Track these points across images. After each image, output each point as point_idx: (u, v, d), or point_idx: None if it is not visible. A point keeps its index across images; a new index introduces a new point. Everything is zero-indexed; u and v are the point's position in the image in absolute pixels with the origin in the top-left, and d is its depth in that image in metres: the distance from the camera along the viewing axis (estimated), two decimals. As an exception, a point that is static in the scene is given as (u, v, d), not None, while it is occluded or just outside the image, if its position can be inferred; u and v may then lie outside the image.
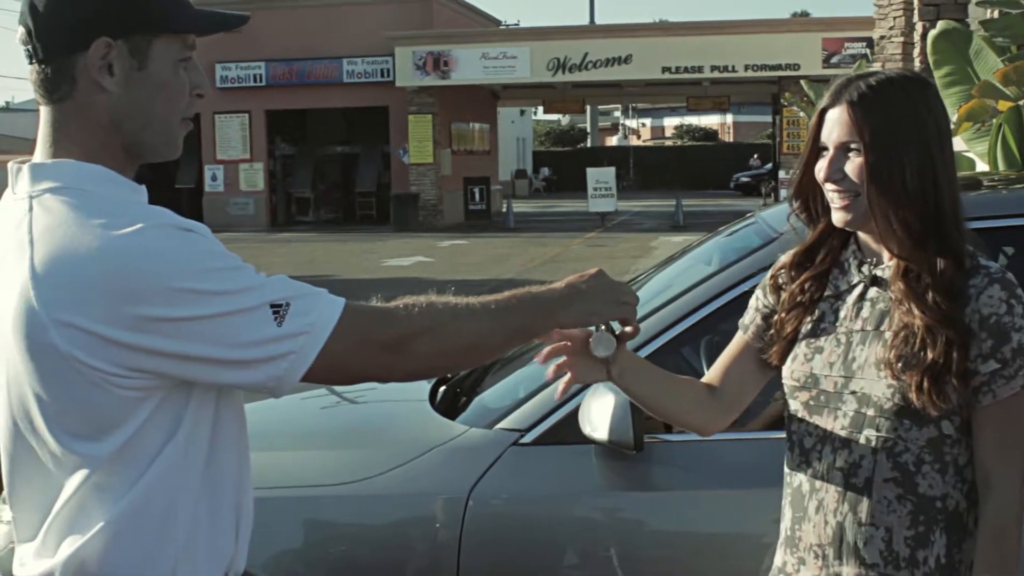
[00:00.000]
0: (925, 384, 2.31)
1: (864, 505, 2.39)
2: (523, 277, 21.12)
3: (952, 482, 2.38)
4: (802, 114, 23.04)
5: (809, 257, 2.58)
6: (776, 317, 2.60)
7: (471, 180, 38.34)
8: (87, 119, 2.06)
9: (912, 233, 2.38)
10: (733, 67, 33.61)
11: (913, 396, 2.32)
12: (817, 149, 2.47)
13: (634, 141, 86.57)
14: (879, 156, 2.39)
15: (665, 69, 33.87)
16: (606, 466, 3.43)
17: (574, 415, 3.39)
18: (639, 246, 27.32)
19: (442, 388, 4.19)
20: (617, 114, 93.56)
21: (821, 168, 2.43)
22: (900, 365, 2.34)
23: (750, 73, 33.72)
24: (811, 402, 2.47)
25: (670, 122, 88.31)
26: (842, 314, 2.48)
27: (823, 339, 2.49)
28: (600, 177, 36.00)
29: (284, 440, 3.87)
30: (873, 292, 2.45)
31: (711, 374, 2.70)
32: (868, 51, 22.26)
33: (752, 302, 2.71)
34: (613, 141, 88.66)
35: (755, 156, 60.09)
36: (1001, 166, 6.98)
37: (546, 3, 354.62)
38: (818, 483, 2.46)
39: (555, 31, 36.14)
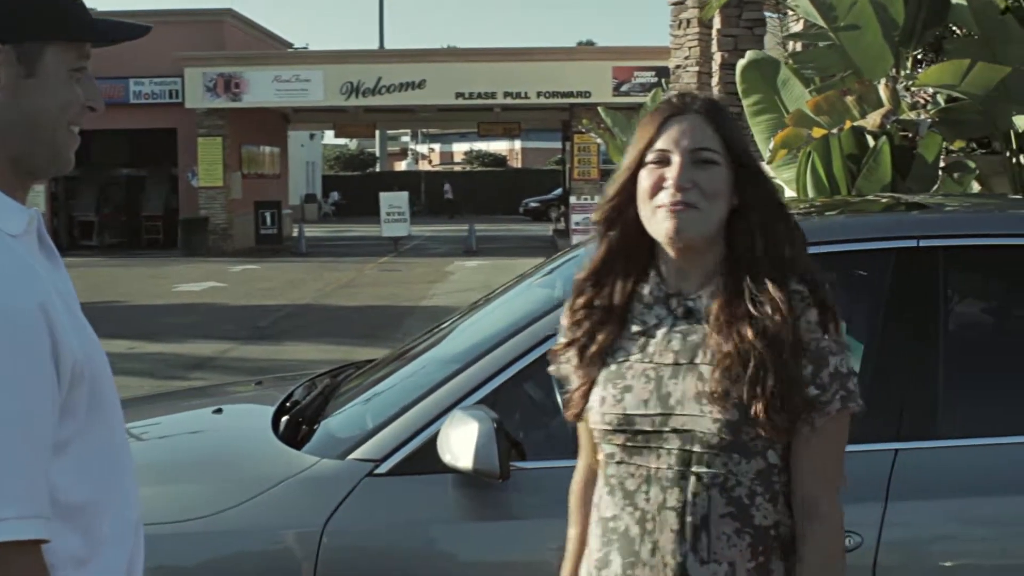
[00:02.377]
0: (763, 414, 2.29)
1: (704, 542, 2.33)
2: (320, 302, 20.94)
3: (782, 510, 2.39)
4: (598, 140, 23.40)
5: (596, 279, 2.49)
6: (571, 358, 2.49)
7: (262, 204, 37.81)
8: None
9: (760, 250, 2.37)
10: (525, 93, 33.97)
11: (748, 428, 2.29)
12: (642, 160, 2.39)
13: (424, 166, 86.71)
14: (747, 167, 2.39)
15: (459, 95, 34.03)
16: (466, 495, 3.35)
17: (432, 444, 3.29)
18: (434, 271, 27.35)
19: (284, 417, 4.05)
20: (406, 139, 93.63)
21: (669, 175, 2.33)
22: (726, 398, 2.30)
23: (542, 100, 34.15)
24: (628, 444, 2.38)
25: (459, 147, 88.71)
26: (650, 349, 2.40)
27: (630, 377, 2.40)
28: (393, 202, 35.93)
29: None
30: (683, 325, 2.40)
31: (585, 457, 2.61)
32: (662, 80, 22.73)
33: (558, 338, 2.58)
34: (402, 166, 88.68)
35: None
36: (810, 193, 7.17)
37: (336, 27, 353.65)
38: (649, 525, 2.36)
39: (349, 55, 35.96)
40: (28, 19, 1.91)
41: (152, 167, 39.12)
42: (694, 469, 2.33)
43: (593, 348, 2.45)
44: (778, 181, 7.96)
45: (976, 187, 7.24)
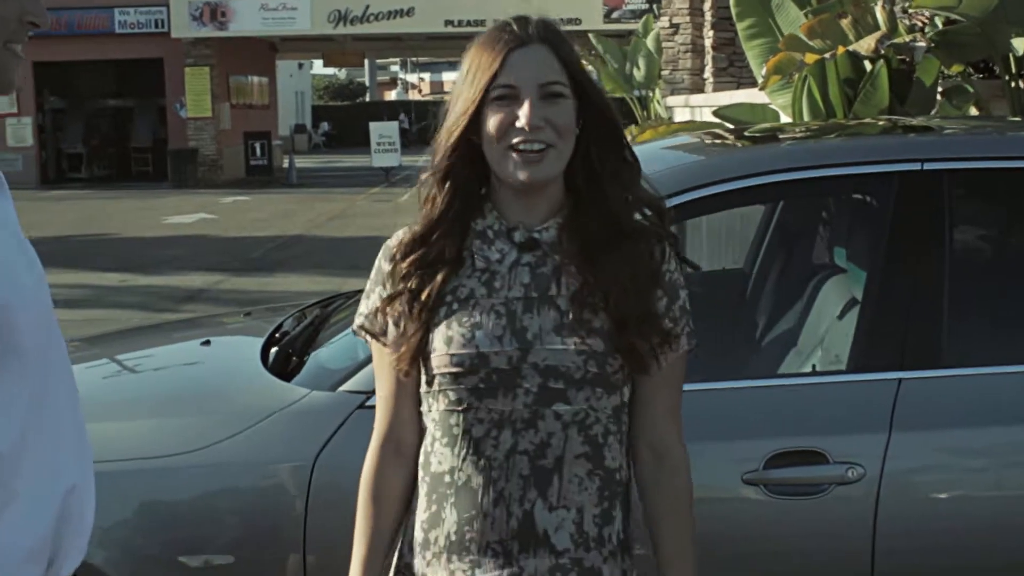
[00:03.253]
0: (628, 343, 2.20)
1: (555, 487, 2.21)
2: (311, 233, 20.84)
3: (624, 452, 2.30)
4: (590, 68, 23.19)
5: (434, 231, 2.28)
6: (400, 308, 2.27)
7: (251, 135, 37.50)
8: None
9: (616, 184, 2.26)
10: (515, 21, 33.65)
11: (612, 360, 2.19)
12: (484, 96, 2.20)
13: (414, 96, 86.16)
14: (591, 95, 2.25)
15: (448, 22, 33.62)
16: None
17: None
18: (426, 201, 27.16)
19: (273, 348, 3.97)
20: (395, 68, 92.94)
21: (521, 114, 2.17)
22: (589, 329, 2.20)
23: (532, 27, 33.86)
24: (481, 385, 2.20)
25: (449, 77, 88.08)
26: (496, 284, 2.24)
27: (478, 314, 2.22)
28: (383, 132, 35.60)
29: (112, 410, 3.62)
30: (530, 257, 2.25)
31: (387, 427, 2.35)
32: (653, 6, 22.52)
33: (373, 301, 2.34)
34: (392, 96, 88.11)
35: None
36: (806, 118, 7.08)
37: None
38: (495, 473, 2.21)
39: (337, -18, 35.58)
40: None
41: (139, 98, 38.84)
42: (554, 407, 2.21)
43: (427, 292, 2.26)
44: (774, 106, 7.87)
45: (975, 112, 7.14)
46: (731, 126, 7.27)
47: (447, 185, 2.27)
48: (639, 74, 19.11)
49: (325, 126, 67.80)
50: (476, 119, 2.22)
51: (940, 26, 6.98)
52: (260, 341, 4.02)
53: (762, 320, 4.13)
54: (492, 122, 2.20)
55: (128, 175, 38.51)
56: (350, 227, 21.77)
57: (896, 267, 3.37)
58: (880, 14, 6.79)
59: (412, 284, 2.27)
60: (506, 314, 2.22)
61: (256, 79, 40.67)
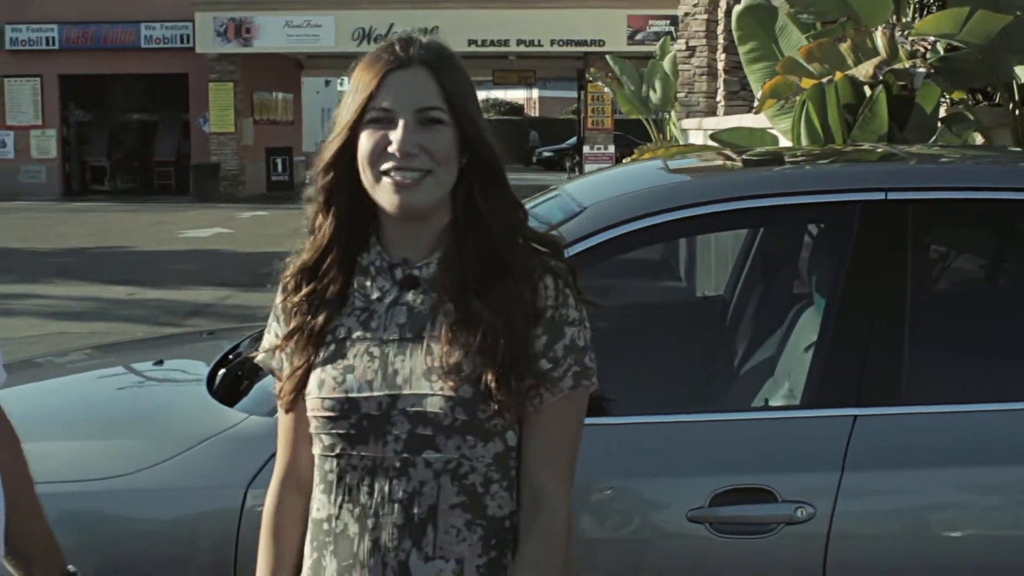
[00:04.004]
0: (494, 388, 2.05)
1: (429, 537, 2.09)
2: (326, 250, 20.76)
3: (517, 498, 2.15)
4: (607, 90, 23.12)
5: (319, 262, 2.18)
6: (286, 345, 2.20)
7: (273, 151, 37.65)
8: None
9: (497, 219, 2.13)
10: (539, 41, 33.62)
11: (484, 406, 2.06)
12: (361, 118, 2.10)
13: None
14: (471, 127, 2.12)
15: (471, 42, 33.63)
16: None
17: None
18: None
19: (221, 371, 3.88)
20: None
21: (394, 138, 2.06)
22: (457, 373, 2.06)
23: (556, 48, 33.79)
24: (352, 431, 2.11)
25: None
26: (373, 324, 2.14)
27: (352, 356, 2.13)
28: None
29: (41, 430, 3.53)
30: (409, 296, 2.14)
31: (287, 462, 2.27)
32: (672, 28, 22.45)
33: (272, 336, 2.28)
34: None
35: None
36: (804, 143, 6.97)
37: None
38: (370, 521, 2.11)
39: (360, 0, 35.62)
40: None
41: (164, 112, 39.01)
42: (425, 455, 2.09)
43: (308, 329, 2.16)
44: (773, 131, 7.77)
45: (980, 139, 7.02)
46: (728, 151, 7.17)
47: (330, 210, 2.18)
48: (655, 96, 19.03)
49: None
50: (354, 140, 2.12)
51: (941, 52, 6.87)
52: (210, 363, 3.93)
53: (717, 352, 4.03)
54: (364, 145, 2.10)
55: (151, 188, 38.64)
56: (365, 245, 21.69)
57: (855, 299, 3.26)
58: (880, 39, 6.68)
59: (296, 322, 2.19)
60: (379, 356, 2.12)
61: (280, 95, 40.83)
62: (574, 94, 50.02)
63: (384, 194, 2.09)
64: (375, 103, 2.09)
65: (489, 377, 2.06)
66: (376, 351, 2.12)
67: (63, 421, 3.75)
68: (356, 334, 2.14)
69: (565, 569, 2.16)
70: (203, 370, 3.87)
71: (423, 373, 2.08)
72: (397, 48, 2.12)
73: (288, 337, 2.20)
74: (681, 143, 15.36)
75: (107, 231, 24.48)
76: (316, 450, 2.17)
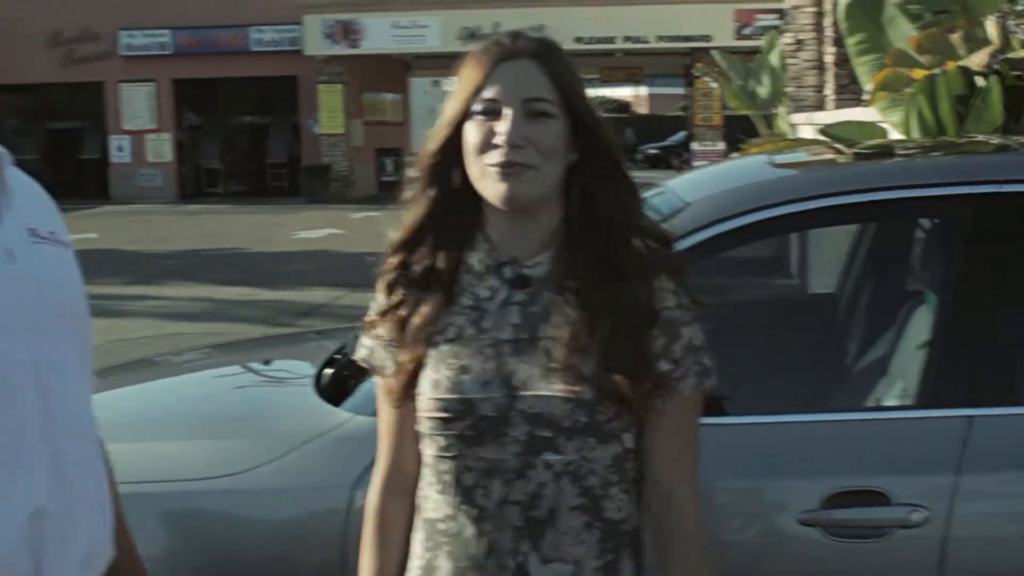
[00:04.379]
0: (617, 390, 2.04)
1: (548, 539, 2.08)
2: (435, 249, 20.83)
3: (635, 501, 2.14)
4: (714, 85, 22.96)
5: (415, 240, 2.18)
6: (387, 337, 2.19)
7: (383, 151, 37.94)
8: None
9: (613, 215, 2.11)
10: (646, 38, 33.46)
11: (604, 408, 2.05)
12: (468, 110, 2.08)
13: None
14: (587, 117, 2.10)
15: (578, 39, 33.58)
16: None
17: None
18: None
19: (328, 371, 3.89)
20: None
21: (500, 130, 2.04)
22: (577, 375, 2.04)
23: (663, 44, 33.60)
24: (468, 432, 2.09)
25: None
26: (485, 324, 2.11)
27: (466, 356, 2.10)
28: (512, 148, 35.72)
29: (149, 430, 3.59)
30: (521, 296, 2.11)
31: (390, 462, 2.28)
32: (780, 22, 22.20)
33: (372, 334, 2.26)
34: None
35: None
36: (916, 136, 6.84)
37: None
38: (487, 524, 2.09)
39: (467, 0, 35.76)
40: None
41: (275, 114, 39.51)
42: (544, 457, 2.07)
43: (416, 321, 2.15)
44: (884, 124, 7.63)
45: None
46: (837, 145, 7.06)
47: (427, 193, 2.17)
48: (763, 91, 18.85)
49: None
50: (459, 132, 2.11)
51: (1059, 40, 6.70)
52: (317, 363, 3.95)
53: (828, 351, 3.95)
54: (472, 136, 2.08)
55: (263, 190, 39.13)
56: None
57: (970, 295, 3.17)
58: (992, 28, 6.54)
59: (403, 314, 2.17)
60: (494, 357, 2.10)
61: (389, 96, 41.13)
62: (682, 90, 49.77)
63: (489, 185, 2.07)
64: (482, 94, 2.08)
65: (612, 379, 2.04)
66: (490, 351, 2.10)
67: (172, 420, 3.79)
68: (468, 333, 2.12)
69: (711, 564, 2.17)
70: (310, 370, 3.89)
71: (541, 374, 2.06)
72: (506, 40, 2.12)
73: (390, 328, 2.19)
74: (790, 138, 15.17)
75: (221, 233, 24.85)
76: (431, 451, 2.16)
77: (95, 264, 18.44)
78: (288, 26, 35.62)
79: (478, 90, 2.08)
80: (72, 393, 1.98)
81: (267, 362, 4.23)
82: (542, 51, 2.10)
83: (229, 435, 3.54)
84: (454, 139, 2.12)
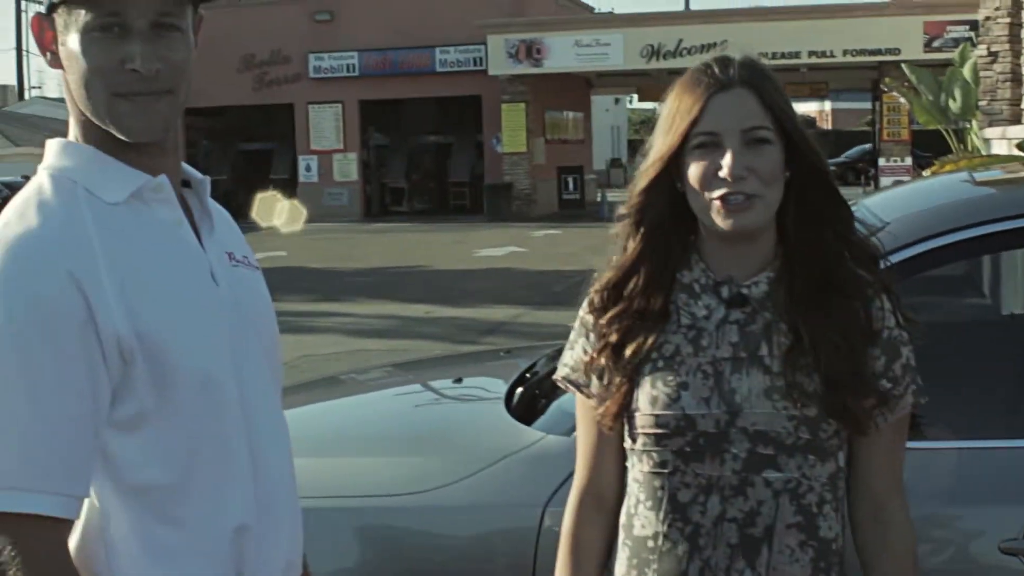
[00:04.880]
0: (843, 408, 2.05)
1: (764, 558, 2.07)
2: (616, 267, 20.77)
3: (841, 520, 2.14)
4: (903, 100, 22.44)
5: (625, 280, 2.19)
6: (603, 362, 2.19)
7: (565, 169, 38.06)
8: (68, 97, 1.93)
9: (829, 234, 2.11)
10: (831, 52, 32.90)
11: (826, 425, 2.05)
12: (684, 142, 2.08)
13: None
14: (799, 139, 2.09)
15: (762, 55, 32.93)
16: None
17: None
18: (735, 235, 26.88)
19: (519, 390, 3.92)
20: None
21: (723, 163, 2.04)
22: (801, 392, 2.04)
23: (848, 58, 32.99)
24: (687, 448, 2.10)
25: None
26: (703, 343, 2.12)
27: (684, 374, 2.11)
28: (695, 166, 35.50)
29: (342, 445, 3.65)
30: (738, 314, 2.11)
31: (588, 481, 2.29)
32: (972, 34, 21.60)
33: (577, 352, 2.28)
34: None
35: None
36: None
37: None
38: (702, 540, 2.10)
39: (649, 17, 35.68)
40: None
41: (458, 134, 39.97)
42: (764, 474, 2.06)
43: (631, 347, 2.15)
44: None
45: None
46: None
47: (640, 231, 2.19)
48: (955, 105, 18.35)
49: (640, 160, 68.11)
50: (674, 165, 2.12)
51: None
52: (508, 381, 3.97)
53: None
54: (694, 172, 2.09)
55: (446, 208, 39.62)
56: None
57: None
58: None
59: (614, 338, 2.19)
60: (713, 374, 2.11)
61: (571, 114, 41.27)
62: (868, 105, 48.84)
63: (715, 218, 2.09)
64: (700, 127, 2.09)
65: (837, 396, 2.05)
66: (709, 369, 2.11)
67: (366, 437, 3.85)
68: (686, 351, 2.14)
69: None
70: (501, 388, 3.91)
71: (763, 392, 2.07)
72: (716, 70, 2.12)
73: (601, 352, 2.20)
74: (983, 153, 14.76)
75: (405, 251, 25.23)
76: (645, 467, 2.17)
77: (284, 281, 18.94)
78: (472, 46, 36.06)
79: (694, 123, 2.09)
80: (269, 408, 2.04)
81: (458, 380, 4.28)
82: (754, 78, 2.11)
83: (423, 452, 3.58)
84: (667, 171, 2.14)
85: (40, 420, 1.75)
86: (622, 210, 2.22)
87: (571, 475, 3.12)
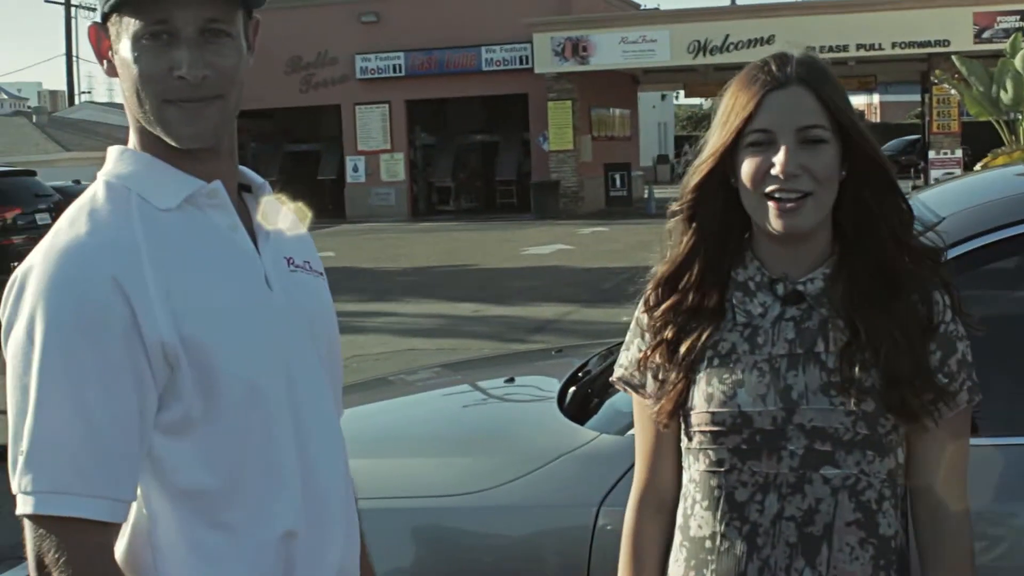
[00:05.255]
0: (901, 402, 2.03)
1: (823, 556, 2.05)
2: (665, 264, 20.68)
3: (901, 517, 2.11)
4: (953, 92, 22.26)
5: (678, 274, 2.18)
6: (659, 361, 2.19)
7: (612, 166, 38.03)
8: (124, 105, 1.95)
9: (887, 231, 2.10)
10: (880, 45, 32.63)
11: (885, 420, 2.03)
12: (738, 139, 2.07)
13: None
14: (858, 137, 2.08)
15: (809, 48, 32.86)
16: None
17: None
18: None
19: (572, 389, 3.91)
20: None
21: (776, 161, 2.03)
22: (859, 388, 2.02)
23: (897, 51, 32.72)
24: (744, 446, 2.08)
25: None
26: (759, 340, 2.11)
27: (740, 371, 2.10)
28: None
29: (397, 446, 3.66)
30: (794, 311, 2.10)
31: (647, 482, 2.29)
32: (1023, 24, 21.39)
33: (633, 352, 2.28)
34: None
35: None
36: None
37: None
38: (760, 540, 2.08)
39: (695, 13, 35.56)
40: None
41: (504, 132, 39.98)
42: (822, 471, 2.05)
43: (686, 344, 2.14)
44: None
45: None
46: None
47: (693, 225, 2.18)
48: (1006, 96, 18.20)
49: (688, 155, 67.92)
50: (728, 161, 2.11)
51: None
52: (561, 381, 3.97)
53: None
54: (747, 169, 2.08)
55: (493, 207, 39.67)
56: (704, 258, 21.56)
57: None
58: None
59: (670, 335, 2.18)
60: (769, 371, 2.09)
61: (617, 111, 41.22)
62: (917, 97, 48.49)
63: (768, 216, 2.07)
64: (754, 124, 2.08)
65: (895, 390, 2.03)
66: (765, 366, 2.10)
67: (421, 437, 3.85)
68: (742, 348, 2.13)
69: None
70: (554, 387, 3.91)
71: (820, 388, 2.06)
72: (773, 67, 2.10)
73: (656, 350, 2.20)
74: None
75: (452, 250, 25.27)
76: (701, 465, 2.16)
77: (334, 281, 18.70)
78: (518, 44, 36.05)
79: (749, 120, 2.08)
80: (323, 415, 2.04)
81: (510, 380, 4.27)
82: (811, 76, 2.09)
83: (478, 452, 3.58)
84: (719, 167, 2.12)
85: (85, 424, 1.76)
86: (675, 206, 2.21)
87: (625, 474, 3.13)
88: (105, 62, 1.92)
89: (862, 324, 2.06)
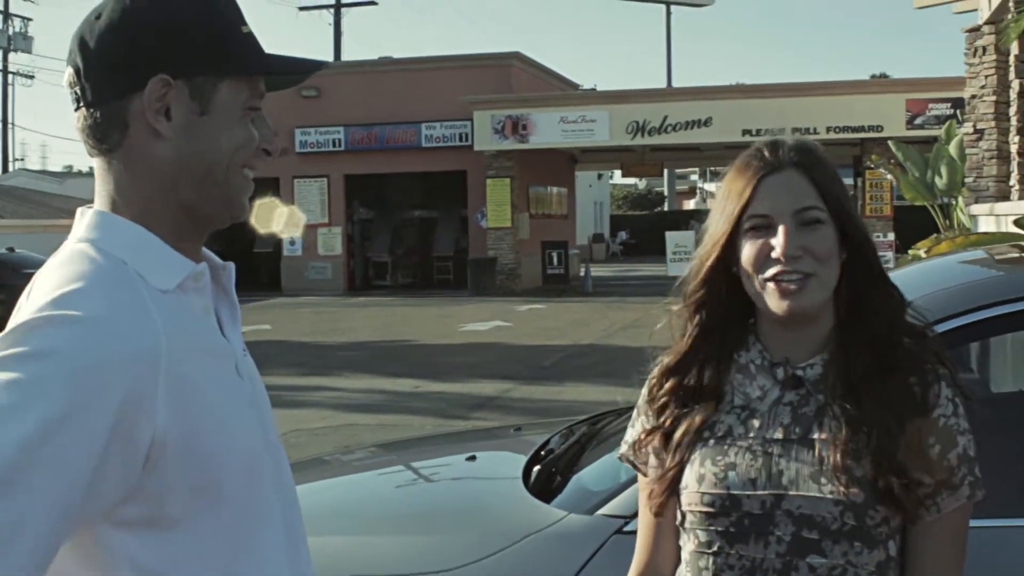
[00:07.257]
0: (892, 494, 2.00)
1: None
2: (603, 342, 20.82)
3: None
4: (888, 176, 22.61)
5: (687, 363, 2.20)
6: (658, 442, 2.20)
7: (549, 244, 38.16)
8: (141, 171, 1.77)
9: (880, 315, 2.10)
10: (815, 129, 33.14)
11: (874, 512, 2.00)
12: (737, 225, 2.10)
13: (711, 204, 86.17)
14: (850, 222, 2.10)
15: (745, 131, 33.42)
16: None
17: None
18: (720, 310, 26.89)
19: (536, 467, 3.89)
20: (694, 177, 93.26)
21: (775, 244, 2.04)
22: (849, 476, 2.00)
23: (832, 135, 33.25)
24: (732, 529, 2.07)
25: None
26: (755, 423, 2.10)
27: (733, 453, 2.09)
28: (679, 241, 35.58)
29: (360, 523, 3.61)
30: (792, 396, 2.10)
31: (646, 559, 2.28)
32: (956, 112, 21.81)
33: (637, 430, 2.28)
34: (690, 204, 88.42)
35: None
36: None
37: (623, 67, 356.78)
38: None
39: (634, 94, 35.95)
40: (202, 53, 1.76)
41: (443, 208, 40.06)
42: (809, 559, 2.02)
43: (683, 427, 2.15)
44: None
45: None
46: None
47: (697, 318, 2.20)
48: (941, 182, 18.48)
49: (623, 235, 68.48)
50: (730, 248, 2.12)
51: None
52: (524, 459, 3.94)
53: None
54: (747, 253, 2.09)
55: (430, 283, 39.66)
56: (643, 336, 21.49)
57: None
58: None
59: (669, 419, 2.19)
60: (762, 455, 2.08)
61: (555, 189, 41.47)
62: (850, 180, 49.20)
63: (770, 300, 2.08)
64: (752, 210, 2.09)
65: (887, 481, 2.01)
66: (759, 449, 2.09)
67: (387, 515, 3.81)
68: (737, 431, 2.12)
69: None
70: (518, 466, 3.88)
71: (811, 475, 2.04)
72: (766, 152, 2.12)
73: (656, 432, 2.20)
74: (970, 229, 14.84)
75: (390, 324, 25.19)
76: (691, 546, 2.15)
77: (271, 355, 18.88)
78: (458, 121, 36.26)
79: (747, 206, 2.10)
80: (291, 482, 1.99)
81: (472, 458, 4.24)
82: (805, 160, 2.11)
83: (446, 530, 3.55)
84: (723, 256, 2.14)
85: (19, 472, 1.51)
86: (684, 301, 2.22)
87: (593, 556, 3.11)
88: (160, 120, 1.76)
89: (857, 411, 2.05)
